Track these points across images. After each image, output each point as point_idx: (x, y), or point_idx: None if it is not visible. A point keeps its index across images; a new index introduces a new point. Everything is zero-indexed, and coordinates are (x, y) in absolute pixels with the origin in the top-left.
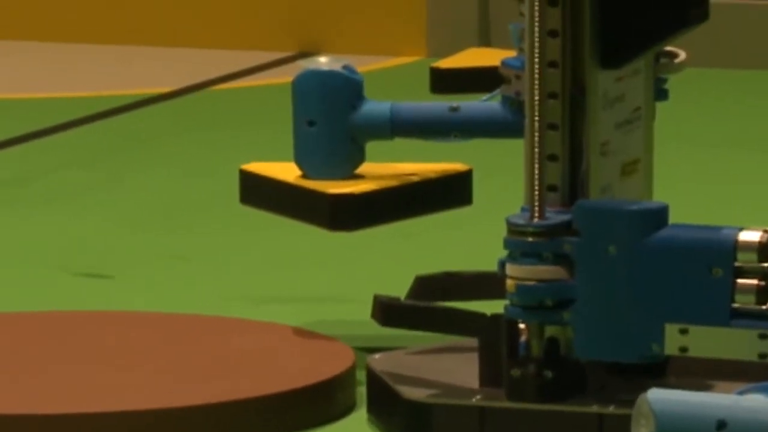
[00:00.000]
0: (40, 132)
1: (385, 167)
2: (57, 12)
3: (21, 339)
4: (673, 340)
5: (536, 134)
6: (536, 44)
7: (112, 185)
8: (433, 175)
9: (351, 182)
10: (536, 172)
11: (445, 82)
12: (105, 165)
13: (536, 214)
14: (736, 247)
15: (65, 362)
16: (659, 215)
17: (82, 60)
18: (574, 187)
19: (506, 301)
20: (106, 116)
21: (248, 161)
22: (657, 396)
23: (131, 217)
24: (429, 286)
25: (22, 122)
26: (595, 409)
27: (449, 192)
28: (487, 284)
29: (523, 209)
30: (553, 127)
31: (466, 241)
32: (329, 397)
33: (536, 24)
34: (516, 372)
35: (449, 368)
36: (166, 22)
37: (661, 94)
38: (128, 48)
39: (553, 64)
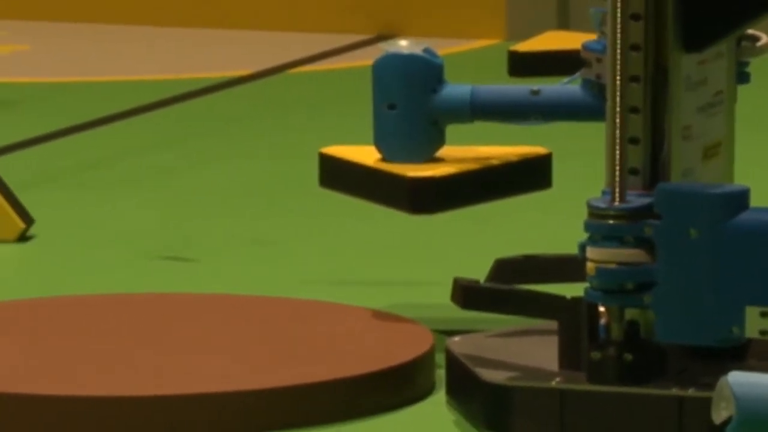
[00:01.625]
0: (123, 114)
1: (464, 150)
2: None
3: (104, 322)
4: (754, 323)
5: (618, 117)
6: (619, 27)
7: (194, 168)
8: (512, 159)
9: (431, 165)
10: (617, 155)
11: (523, 65)
12: (187, 148)
13: (617, 198)
14: None
15: (148, 346)
16: (741, 199)
17: (163, 43)
18: (655, 171)
19: (586, 284)
20: (187, 98)
21: (328, 145)
22: (737, 379)
23: (213, 200)
24: (508, 268)
25: (105, 104)
26: (675, 392)
27: (529, 175)
28: (566, 267)
29: (604, 192)
30: (634, 110)
31: (546, 225)
32: (408, 380)
33: (619, 7)
34: (596, 355)
35: (529, 351)
36: (245, 6)
37: (742, 77)
38: (208, 31)
39: (635, 48)
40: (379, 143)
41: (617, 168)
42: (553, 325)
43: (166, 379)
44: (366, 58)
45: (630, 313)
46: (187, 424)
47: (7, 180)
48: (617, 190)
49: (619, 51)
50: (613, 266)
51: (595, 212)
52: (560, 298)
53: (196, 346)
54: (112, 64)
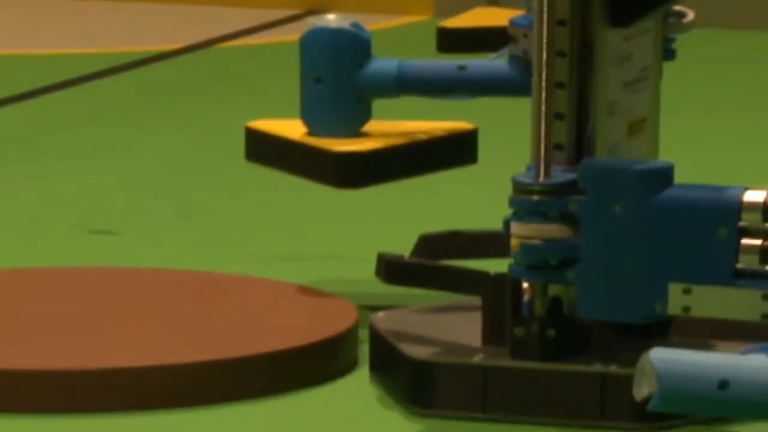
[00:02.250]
0: (50, 87)
1: (391, 125)
2: None
3: (30, 295)
4: (677, 299)
5: (543, 93)
6: (545, 2)
7: (122, 143)
8: (439, 134)
9: (357, 140)
10: (543, 130)
11: (452, 41)
12: (115, 122)
13: (542, 173)
14: (740, 207)
15: (72, 319)
16: (665, 175)
17: (92, 16)
18: (580, 146)
19: (510, 260)
20: (116, 72)
21: (256, 119)
22: (659, 355)
23: (140, 175)
24: (433, 244)
25: (32, 78)
26: (597, 368)
27: (455, 150)
28: (491, 243)
29: (528, 168)
30: (560, 85)
31: (471, 200)
32: (332, 355)
33: None
34: (519, 331)
35: (452, 327)
36: None
37: (668, 53)
38: (137, 5)
39: (561, 23)
40: (306, 117)
41: (542, 143)
42: (477, 300)
43: (89, 353)
44: (295, 33)
45: (553, 289)
46: (109, 397)
47: None
48: (542, 165)
49: (545, 26)
50: (537, 242)
51: (519, 188)
52: (484, 274)
53: (121, 319)
54: (39, 38)
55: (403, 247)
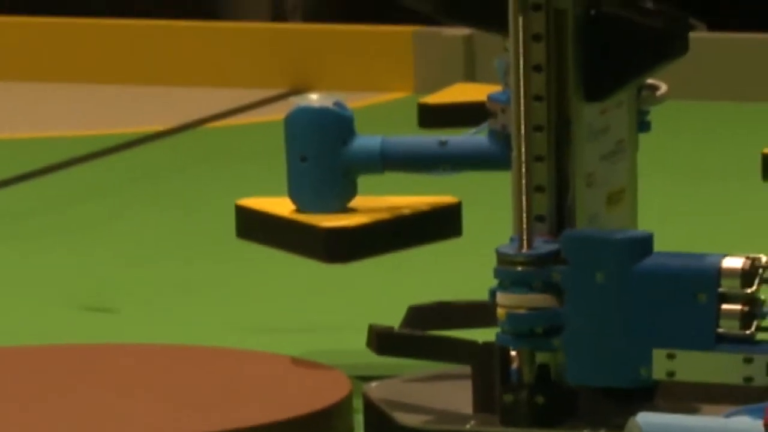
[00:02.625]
0: (43, 169)
1: (376, 200)
2: (55, 53)
3: (27, 372)
4: (661, 364)
5: (523, 166)
6: (521, 78)
7: (113, 221)
8: (423, 208)
9: (344, 216)
10: (524, 202)
11: (432, 116)
12: (105, 201)
13: (525, 244)
14: (719, 273)
15: (69, 393)
16: (645, 243)
17: (81, 100)
18: (561, 217)
19: (497, 329)
20: (104, 154)
21: (244, 196)
22: (646, 419)
23: (132, 251)
24: (422, 315)
25: (25, 160)
26: None
27: (440, 224)
28: (478, 313)
29: (512, 239)
30: (539, 158)
31: (457, 271)
32: (327, 425)
33: (521, 59)
34: (508, 398)
35: (443, 395)
36: (161, 62)
37: (643, 125)
38: (125, 87)
39: (538, 98)
40: (293, 195)
41: (524, 215)
42: (466, 369)
43: (84, 427)
44: (280, 113)
45: (541, 357)
46: None
47: None
48: (525, 236)
49: (522, 101)
50: (522, 311)
51: (504, 259)
52: (473, 343)
53: (116, 394)
54: (31, 121)
55: (393, 318)
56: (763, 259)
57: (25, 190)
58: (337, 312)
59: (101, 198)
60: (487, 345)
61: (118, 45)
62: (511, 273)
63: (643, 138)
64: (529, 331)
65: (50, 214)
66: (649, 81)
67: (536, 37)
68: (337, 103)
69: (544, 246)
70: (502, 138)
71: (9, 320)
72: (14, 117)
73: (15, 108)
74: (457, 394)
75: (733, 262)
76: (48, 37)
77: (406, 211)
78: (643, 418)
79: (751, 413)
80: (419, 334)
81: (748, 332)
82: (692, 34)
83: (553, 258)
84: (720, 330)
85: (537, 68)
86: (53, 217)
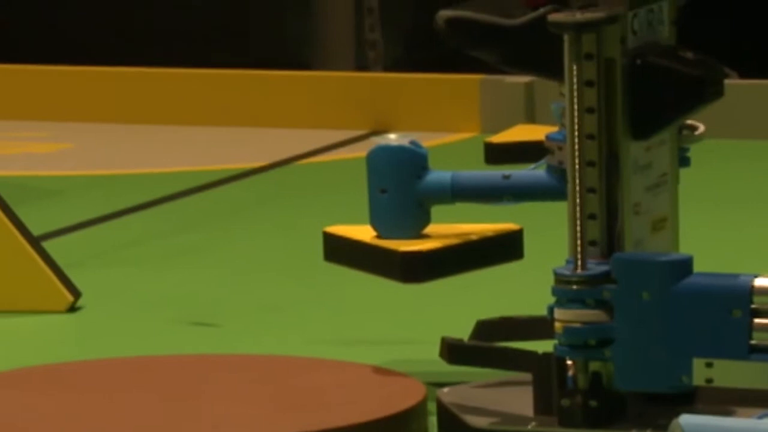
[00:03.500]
0: (154, 201)
1: (448, 228)
2: (171, 100)
3: (141, 380)
4: (700, 372)
5: (577, 197)
6: (576, 120)
7: (217, 246)
8: (489, 234)
9: (419, 241)
10: (578, 229)
11: (497, 154)
12: (211, 229)
13: (579, 266)
14: (752, 291)
15: (180, 400)
16: (685, 265)
17: (187, 140)
18: (611, 242)
19: (555, 341)
20: (211, 187)
21: (331, 224)
22: (687, 420)
23: (233, 273)
24: (488, 328)
25: (138, 193)
26: None
27: (503, 248)
28: (538, 327)
29: (567, 262)
30: (591, 190)
31: (519, 290)
32: (405, 426)
33: (576, 102)
34: (565, 402)
35: (507, 399)
36: (260, 107)
37: (683, 161)
38: (230, 129)
39: (590, 137)
40: (374, 223)
41: (578, 240)
42: (528, 377)
43: (191, 429)
44: (361, 151)
45: (593, 366)
46: None
47: (55, 259)
48: (579, 259)
49: (576, 140)
50: (577, 325)
51: (560, 279)
52: (533, 354)
53: (219, 399)
54: (143, 159)
55: (462, 331)
56: None
57: (145, 218)
58: (412, 327)
59: (208, 226)
60: (546, 355)
61: (226, 92)
62: (567, 291)
63: (683, 172)
64: (583, 343)
65: (162, 240)
66: (689, 122)
67: (589, 83)
68: (412, 142)
69: (596, 267)
70: (559, 172)
71: (128, 335)
72: (130, 154)
73: (131, 147)
74: (519, 399)
75: (764, 282)
76: (164, 85)
77: (474, 237)
78: (685, 419)
79: None
80: (486, 345)
81: None
82: (726, 81)
83: (604, 278)
84: (753, 341)
85: (590, 110)
86: (167, 243)
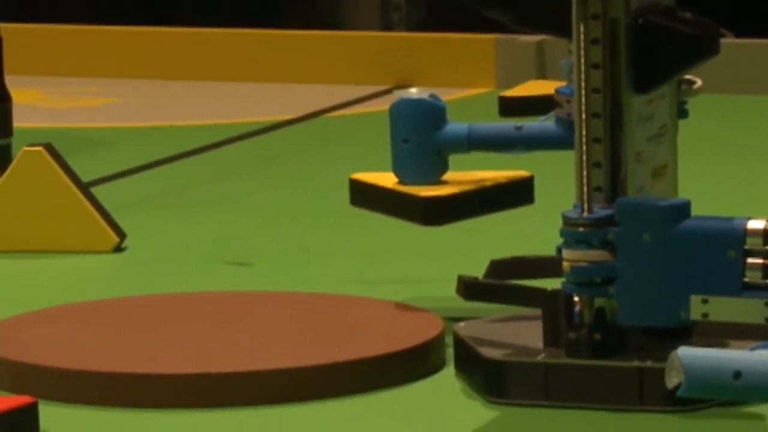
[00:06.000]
0: (195, 150)
1: (464, 175)
2: (207, 57)
3: (183, 314)
4: (697, 308)
5: (584, 146)
6: (583, 75)
7: (251, 193)
8: (502, 181)
9: (438, 187)
10: (585, 176)
11: (510, 107)
12: (245, 177)
13: (586, 210)
14: (745, 233)
15: (217, 333)
16: (683, 209)
17: (225, 95)
18: (615, 188)
19: (563, 279)
20: (245, 138)
21: (356, 172)
22: (685, 352)
23: (265, 218)
24: (501, 267)
25: (181, 143)
26: (635, 363)
27: (516, 194)
28: (547, 266)
29: (575, 206)
30: (597, 140)
31: (530, 233)
32: (424, 357)
33: (582, 59)
34: (572, 335)
35: (519, 333)
36: (292, 64)
37: (682, 113)
38: (263, 84)
39: (596, 91)
40: (397, 170)
41: (585, 187)
42: (537, 312)
43: (230, 359)
44: (385, 105)
45: (598, 302)
46: (246, 395)
47: (103, 203)
48: (585, 204)
49: (583, 93)
50: (584, 264)
51: (568, 222)
52: (543, 291)
53: (255, 332)
54: (185, 112)
55: (477, 270)
56: None
57: (185, 167)
58: (431, 266)
59: (244, 174)
60: (554, 292)
61: (260, 50)
62: (574, 233)
63: (682, 123)
64: (589, 280)
65: (202, 187)
66: (687, 77)
67: (595, 41)
68: (432, 96)
69: (601, 211)
70: (567, 124)
71: (169, 273)
72: (173, 108)
73: (174, 101)
74: (530, 332)
75: (757, 224)
76: (201, 45)
77: (488, 183)
78: (683, 351)
79: None
80: (499, 283)
81: None
82: (722, 40)
83: (608, 221)
84: (745, 279)
85: (595, 66)
86: (206, 190)
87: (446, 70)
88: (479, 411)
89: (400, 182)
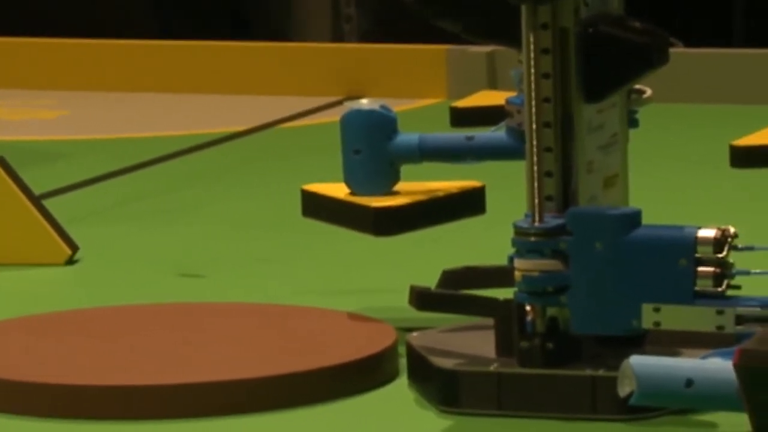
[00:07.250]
0: (146, 163)
1: (416, 185)
2: (160, 69)
3: (137, 326)
4: (649, 316)
5: (535, 156)
6: (533, 85)
7: (204, 205)
8: (454, 191)
9: (390, 198)
10: (536, 185)
11: (461, 118)
12: (198, 189)
13: (537, 219)
14: (696, 242)
15: (171, 344)
16: (635, 218)
17: (176, 107)
18: (566, 197)
19: (515, 289)
20: (197, 150)
21: (308, 182)
22: (637, 361)
23: (218, 228)
24: (454, 277)
25: (132, 156)
26: (588, 372)
27: (467, 204)
28: (499, 275)
29: (526, 215)
30: (548, 149)
31: (482, 242)
32: (377, 368)
33: (532, 68)
34: (525, 344)
35: (472, 343)
36: (242, 76)
37: (633, 122)
38: (212, 96)
39: (546, 100)
40: (348, 181)
41: (536, 196)
42: (490, 321)
43: (185, 370)
44: (336, 116)
45: (551, 311)
46: (201, 406)
47: (55, 216)
48: (537, 213)
49: (534, 103)
50: (536, 274)
51: (520, 231)
52: (495, 300)
53: (208, 344)
54: (136, 124)
55: (429, 280)
56: (731, 229)
57: (134, 180)
58: (384, 276)
59: (196, 186)
60: (507, 302)
61: (211, 62)
62: (526, 243)
63: (633, 133)
64: (541, 290)
65: (155, 199)
66: (637, 86)
67: (545, 51)
68: (383, 107)
69: (552, 221)
70: (518, 133)
71: (123, 286)
72: (124, 121)
73: (125, 113)
74: (483, 342)
75: (707, 233)
76: (151, 57)
77: (440, 194)
78: (635, 359)
79: (722, 356)
80: (451, 293)
81: (719, 289)
82: (672, 49)
83: (560, 230)
84: (697, 288)
85: (546, 76)
86: (156, 202)
87: (397, 80)
88: (432, 421)
89: (352, 193)
